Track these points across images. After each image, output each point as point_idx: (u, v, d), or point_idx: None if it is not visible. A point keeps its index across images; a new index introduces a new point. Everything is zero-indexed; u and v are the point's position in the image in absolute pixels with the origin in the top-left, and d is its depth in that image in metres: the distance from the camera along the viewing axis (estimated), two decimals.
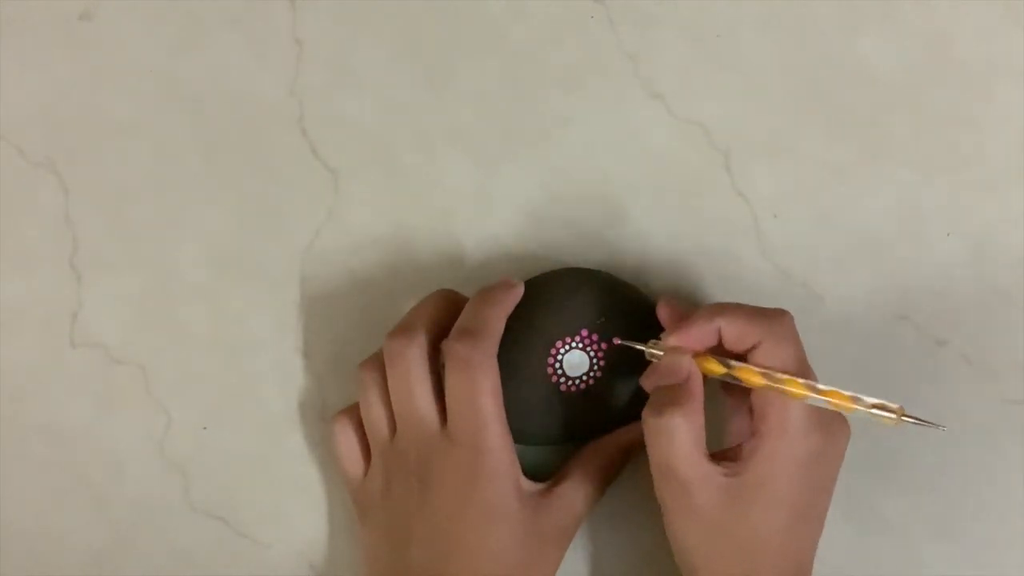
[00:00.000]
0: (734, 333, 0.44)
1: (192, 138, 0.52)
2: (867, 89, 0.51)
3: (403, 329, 0.47)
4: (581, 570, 0.50)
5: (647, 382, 0.45)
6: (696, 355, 0.45)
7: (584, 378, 0.47)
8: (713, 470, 0.44)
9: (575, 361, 0.47)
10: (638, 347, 0.46)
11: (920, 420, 0.42)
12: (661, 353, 0.45)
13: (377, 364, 0.48)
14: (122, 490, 0.52)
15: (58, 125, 0.52)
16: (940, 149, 0.51)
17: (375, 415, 0.48)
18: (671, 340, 0.45)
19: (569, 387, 0.47)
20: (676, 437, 0.43)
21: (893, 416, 0.42)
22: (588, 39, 0.51)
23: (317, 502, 0.52)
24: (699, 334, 0.45)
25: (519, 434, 0.47)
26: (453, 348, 0.45)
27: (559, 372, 0.47)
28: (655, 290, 0.50)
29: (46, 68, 0.53)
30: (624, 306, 0.48)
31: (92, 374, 0.52)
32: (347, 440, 0.49)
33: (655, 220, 0.51)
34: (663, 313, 0.47)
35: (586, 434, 0.49)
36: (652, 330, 0.47)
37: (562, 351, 0.47)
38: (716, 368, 0.45)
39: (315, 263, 0.52)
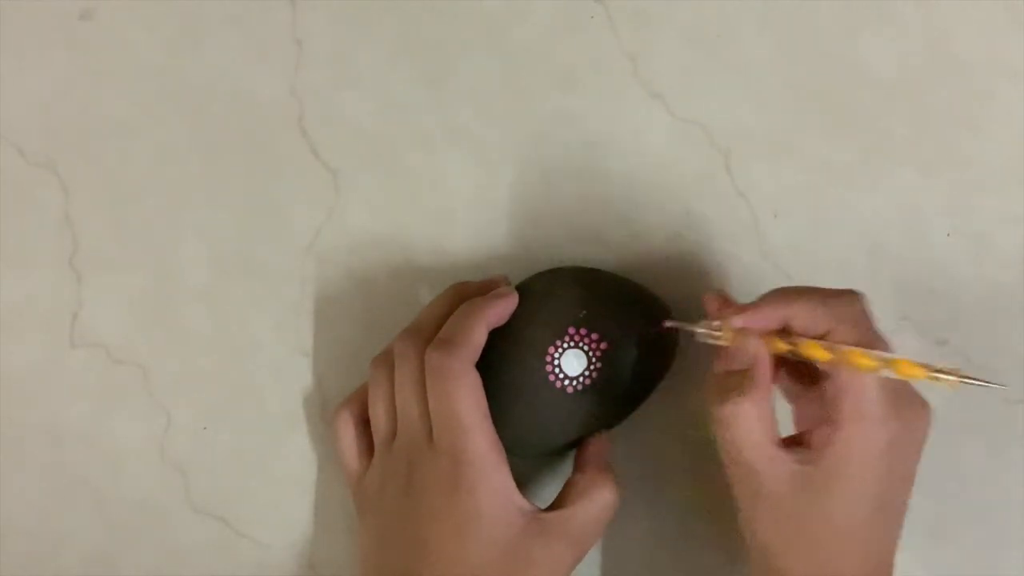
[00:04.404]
0: (805, 320, 0.42)
1: (192, 138, 0.52)
2: (867, 89, 0.51)
3: (412, 331, 0.47)
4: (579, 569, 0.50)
5: (717, 367, 0.44)
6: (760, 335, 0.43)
7: (587, 373, 0.47)
8: (784, 457, 0.42)
9: (572, 360, 0.47)
10: (693, 329, 0.44)
11: (979, 381, 0.40)
12: (719, 334, 0.44)
13: (387, 361, 0.48)
14: (122, 490, 0.52)
15: (58, 125, 0.52)
16: (940, 149, 0.51)
17: (380, 414, 0.48)
18: (737, 321, 0.43)
19: (576, 387, 0.47)
20: (743, 424, 0.42)
21: (954, 379, 0.40)
22: (588, 39, 0.51)
23: (317, 502, 0.52)
24: (766, 317, 0.43)
25: (542, 446, 0.48)
26: (429, 358, 0.45)
27: (560, 376, 0.47)
28: (655, 290, 0.50)
29: (46, 68, 0.53)
30: (600, 293, 0.48)
31: (92, 374, 0.52)
32: (348, 436, 0.49)
33: (655, 220, 0.51)
34: (712, 304, 0.45)
35: (605, 427, 0.49)
36: (634, 308, 0.47)
37: (557, 354, 0.47)
38: (780, 345, 0.42)
39: (315, 263, 0.52)
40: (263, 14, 0.52)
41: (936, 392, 0.50)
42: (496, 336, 0.47)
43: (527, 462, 0.49)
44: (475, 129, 0.52)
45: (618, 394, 0.48)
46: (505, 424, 0.46)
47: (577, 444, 0.48)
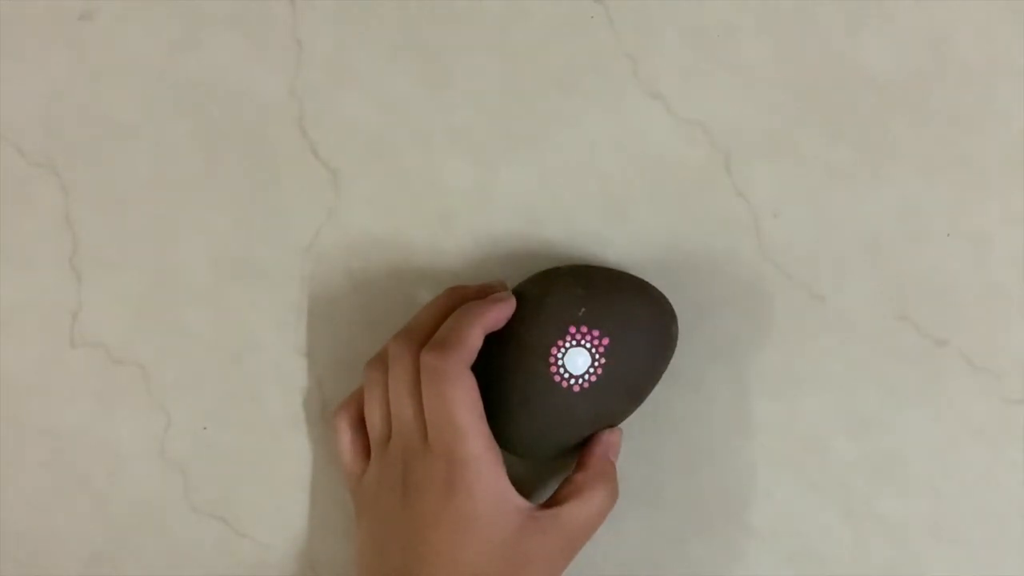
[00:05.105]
0: None
1: (192, 138, 0.52)
2: (867, 89, 0.51)
3: (406, 332, 0.47)
4: (579, 569, 0.50)
5: None
6: None
7: (592, 370, 0.47)
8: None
9: (576, 359, 0.47)
10: None
11: None
12: None
13: (381, 363, 0.48)
14: (122, 490, 0.52)
15: (58, 125, 0.52)
16: (940, 149, 0.51)
17: (375, 417, 0.48)
18: None
19: (582, 384, 0.47)
20: None
21: None
22: (588, 39, 0.51)
23: (317, 502, 0.52)
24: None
25: (553, 448, 0.48)
26: (424, 360, 0.45)
27: (565, 375, 0.46)
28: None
29: (46, 68, 0.53)
30: (597, 289, 0.48)
31: (92, 374, 0.52)
32: (346, 438, 0.49)
33: (655, 220, 0.51)
34: None
35: (613, 423, 0.49)
36: (632, 301, 0.47)
37: (560, 354, 0.46)
38: None
39: (315, 263, 0.52)
40: (263, 14, 0.52)
41: (936, 392, 0.50)
42: (497, 342, 0.47)
43: (527, 461, 0.49)
44: (475, 129, 0.52)
45: (624, 388, 0.48)
46: (515, 429, 0.46)
47: (584, 443, 0.48)
